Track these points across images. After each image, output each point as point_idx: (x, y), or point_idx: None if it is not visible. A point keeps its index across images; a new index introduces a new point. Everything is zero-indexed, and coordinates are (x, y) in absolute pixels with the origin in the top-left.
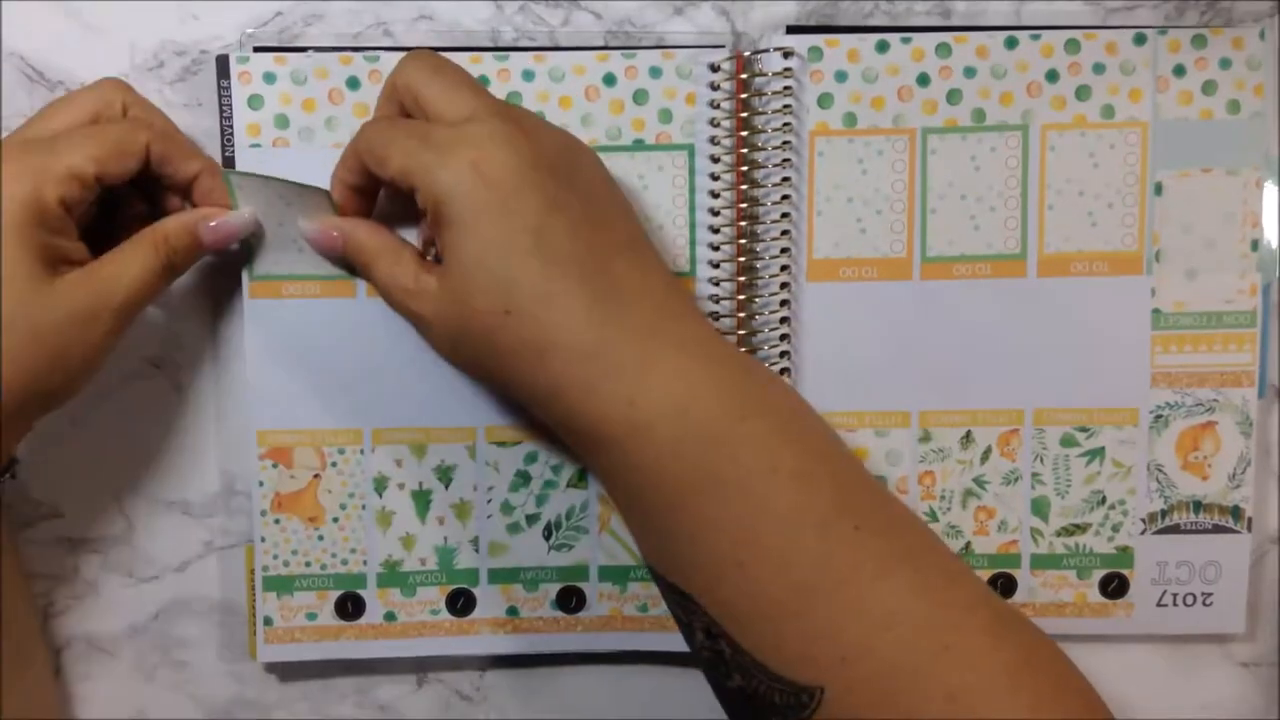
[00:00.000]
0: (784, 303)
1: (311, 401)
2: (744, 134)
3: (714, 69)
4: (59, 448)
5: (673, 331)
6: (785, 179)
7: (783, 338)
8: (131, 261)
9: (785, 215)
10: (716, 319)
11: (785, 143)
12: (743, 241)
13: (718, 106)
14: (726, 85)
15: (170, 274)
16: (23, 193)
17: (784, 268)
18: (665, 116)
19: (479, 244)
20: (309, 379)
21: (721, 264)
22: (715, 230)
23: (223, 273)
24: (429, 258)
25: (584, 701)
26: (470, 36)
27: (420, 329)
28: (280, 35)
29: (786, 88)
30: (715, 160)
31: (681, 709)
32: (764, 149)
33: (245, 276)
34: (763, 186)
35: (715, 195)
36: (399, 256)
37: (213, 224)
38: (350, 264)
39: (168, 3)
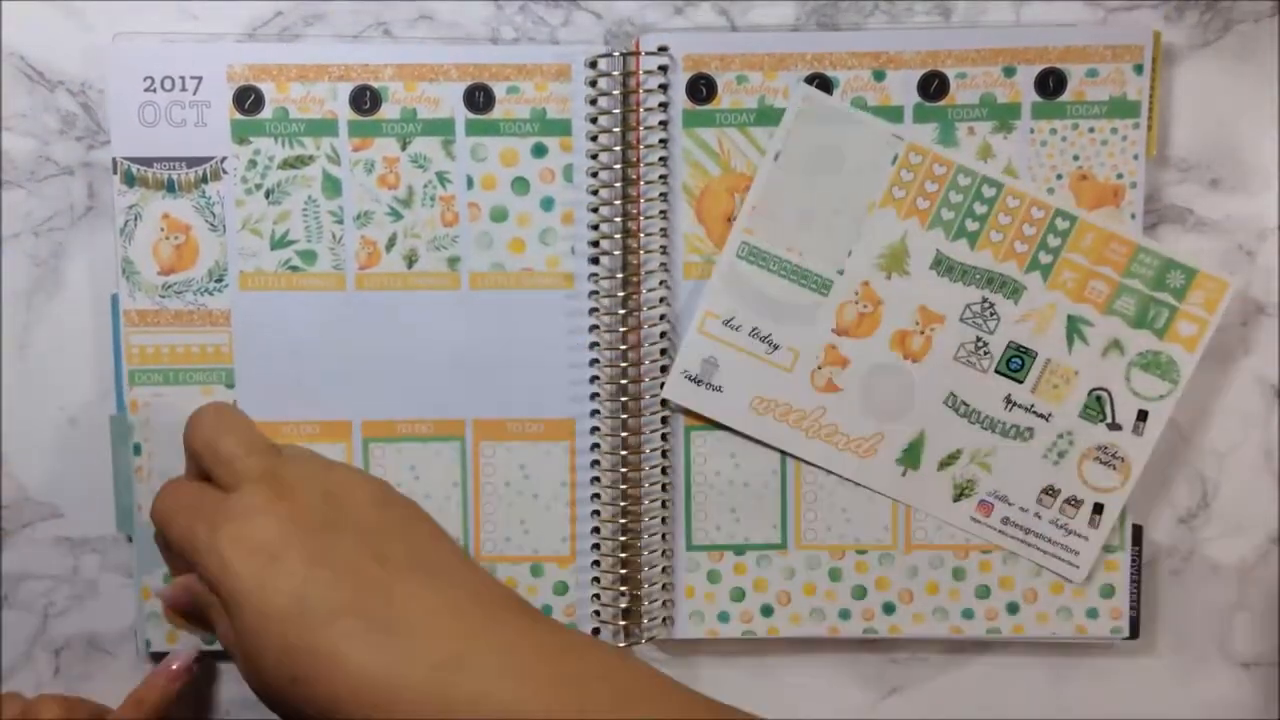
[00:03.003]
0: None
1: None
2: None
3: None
4: (59, 447)
5: (473, 655)
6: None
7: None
8: None
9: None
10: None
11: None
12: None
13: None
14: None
15: None
16: None
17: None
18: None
19: (252, 620)
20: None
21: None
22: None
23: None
24: None
25: None
26: (470, 37)
27: None
28: (280, 35)
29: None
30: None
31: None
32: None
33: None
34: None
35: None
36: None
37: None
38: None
39: (168, 2)
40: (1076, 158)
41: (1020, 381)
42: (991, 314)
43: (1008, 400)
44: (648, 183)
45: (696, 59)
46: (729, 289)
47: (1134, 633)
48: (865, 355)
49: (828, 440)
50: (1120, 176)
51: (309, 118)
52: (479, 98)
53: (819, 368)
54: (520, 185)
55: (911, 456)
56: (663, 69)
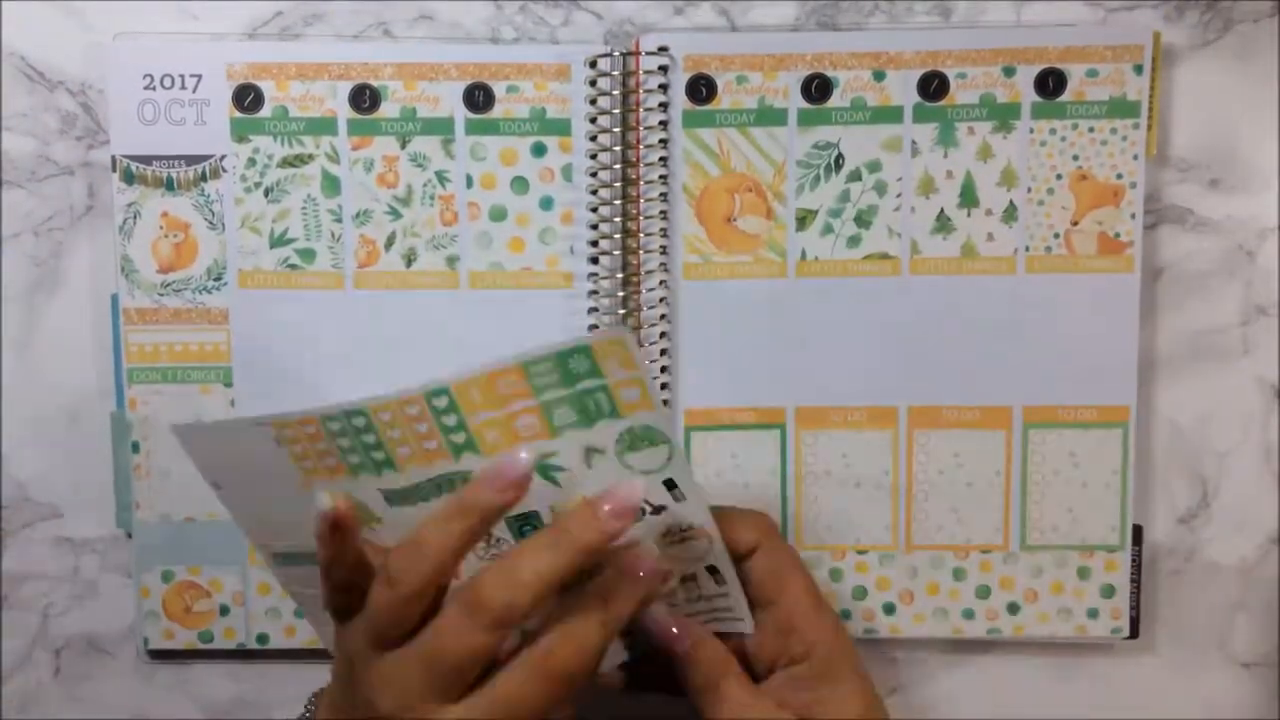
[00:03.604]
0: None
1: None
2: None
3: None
4: (59, 447)
5: None
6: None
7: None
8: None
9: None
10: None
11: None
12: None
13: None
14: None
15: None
16: None
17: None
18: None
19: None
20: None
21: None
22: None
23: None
24: None
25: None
26: (470, 36)
27: None
28: (280, 35)
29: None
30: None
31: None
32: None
33: None
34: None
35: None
36: (743, 677)
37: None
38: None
39: (168, 2)
40: (1076, 158)
41: None
42: None
43: None
44: (647, 183)
45: (696, 59)
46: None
47: (1134, 633)
48: None
49: None
50: (1120, 177)
51: (308, 116)
52: (479, 97)
53: None
54: (519, 185)
55: None
56: (663, 69)
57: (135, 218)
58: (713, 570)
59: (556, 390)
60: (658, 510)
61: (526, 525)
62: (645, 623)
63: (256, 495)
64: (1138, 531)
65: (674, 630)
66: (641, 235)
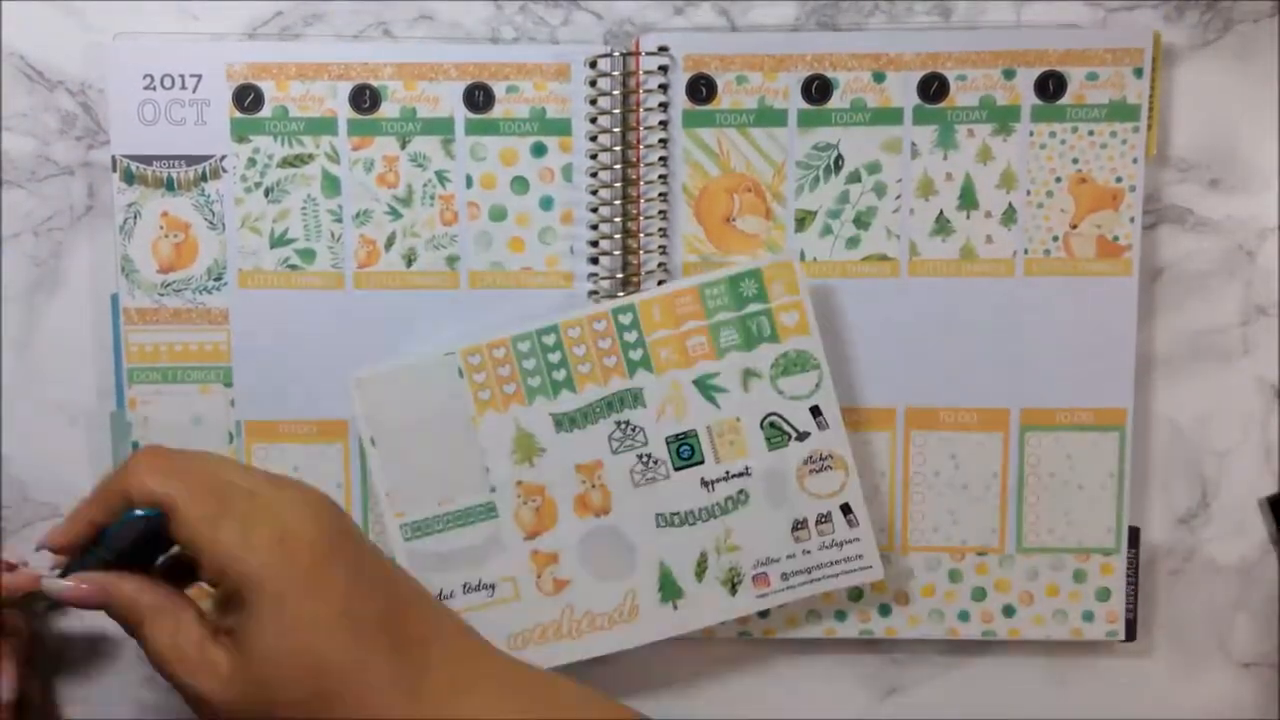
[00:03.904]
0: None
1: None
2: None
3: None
4: (59, 447)
5: (475, 678)
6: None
7: None
8: None
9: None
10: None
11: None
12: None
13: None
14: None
15: None
16: None
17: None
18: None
19: (286, 628)
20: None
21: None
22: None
23: None
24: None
25: None
26: (470, 36)
27: (197, 706)
28: (280, 35)
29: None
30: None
31: (666, 709)
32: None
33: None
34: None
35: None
36: (179, 619)
37: None
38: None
39: (168, 2)
40: (1076, 161)
41: (702, 462)
42: (631, 429)
43: (704, 483)
44: (647, 183)
45: (696, 59)
46: (424, 571)
47: (1130, 635)
48: (565, 538)
49: (594, 630)
50: (1119, 180)
51: (308, 116)
52: (479, 97)
53: (538, 576)
54: (519, 184)
55: (670, 589)
56: (663, 69)
57: (135, 218)
58: (846, 510)
59: (725, 312)
60: (802, 437)
61: (684, 444)
62: (62, 599)
63: (415, 445)
64: (1134, 534)
65: (83, 588)
66: (641, 235)
